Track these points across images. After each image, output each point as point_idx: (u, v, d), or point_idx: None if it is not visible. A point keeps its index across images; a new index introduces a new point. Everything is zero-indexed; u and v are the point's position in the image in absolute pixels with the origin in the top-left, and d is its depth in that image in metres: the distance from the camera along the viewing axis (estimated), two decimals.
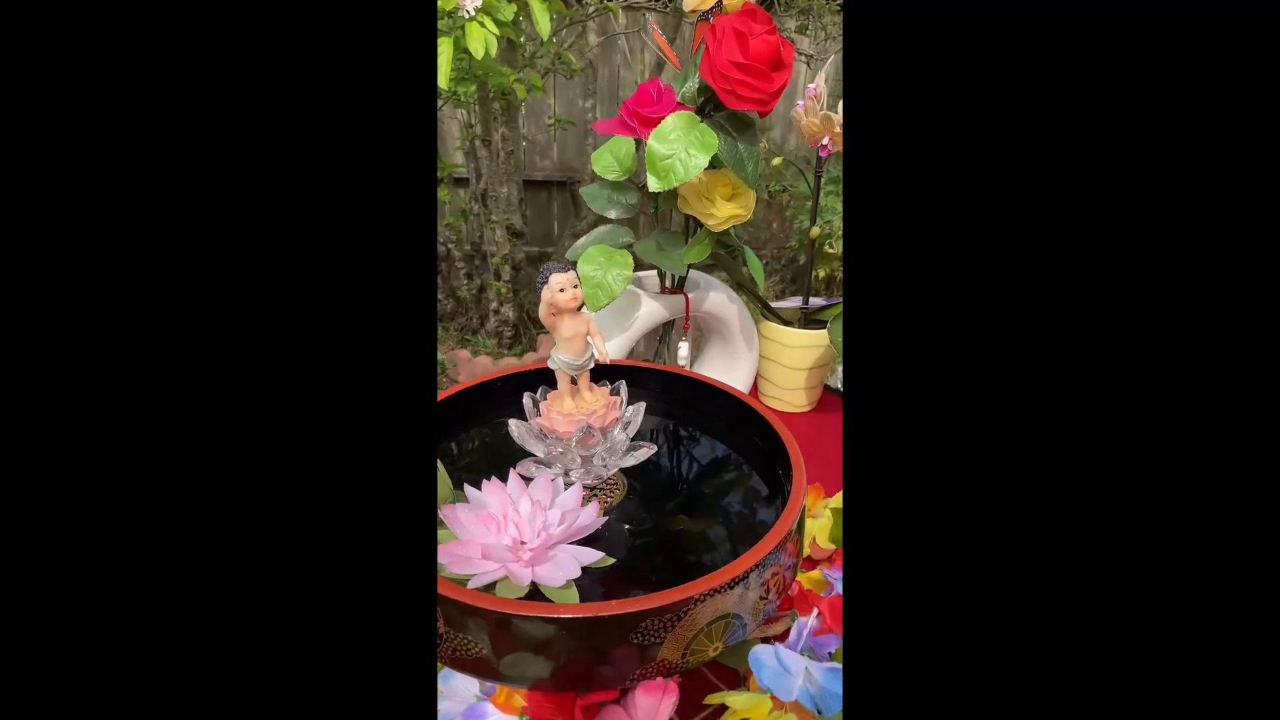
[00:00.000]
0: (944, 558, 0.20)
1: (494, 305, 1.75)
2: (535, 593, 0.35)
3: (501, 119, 1.75)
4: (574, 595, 0.34)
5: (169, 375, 0.20)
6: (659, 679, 0.32)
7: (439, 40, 1.02)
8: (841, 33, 1.80)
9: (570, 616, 0.31)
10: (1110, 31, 0.20)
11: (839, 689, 0.32)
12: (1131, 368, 0.19)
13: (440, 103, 1.56)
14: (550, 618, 0.31)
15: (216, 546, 0.21)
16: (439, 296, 1.88)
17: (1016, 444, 0.20)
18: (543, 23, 1.21)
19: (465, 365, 2.07)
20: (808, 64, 1.91)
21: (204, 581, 0.20)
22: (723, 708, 0.35)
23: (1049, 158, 0.20)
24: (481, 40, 1.11)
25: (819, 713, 0.31)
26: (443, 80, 0.98)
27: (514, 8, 1.19)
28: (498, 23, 1.16)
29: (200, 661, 0.20)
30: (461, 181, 2.04)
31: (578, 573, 0.34)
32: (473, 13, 1.13)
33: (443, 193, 1.75)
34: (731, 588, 0.33)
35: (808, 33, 1.80)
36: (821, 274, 2.23)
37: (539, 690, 0.33)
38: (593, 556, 0.36)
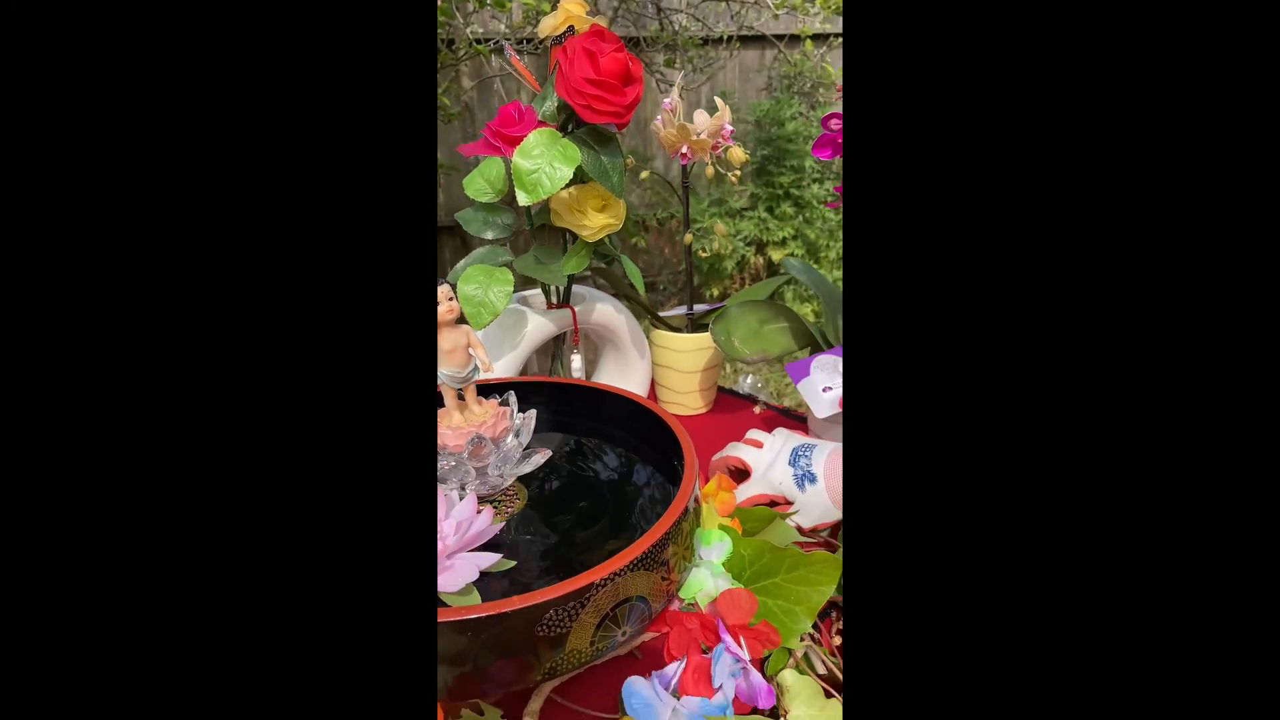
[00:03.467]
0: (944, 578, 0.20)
1: None
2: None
3: None
4: (475, 598, 0.34)
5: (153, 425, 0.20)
6: None
7: None
8: (707, 64, 1.90)
9: (472, 617, 0.31)
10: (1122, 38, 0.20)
11: None
12: (1144, 394, 0.19)
13: None
14: (451, 621, 0.31)
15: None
16: None
17: (1022, 468, 0.20)
18: None
19: None
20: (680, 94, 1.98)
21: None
22: None
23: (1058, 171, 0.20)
24: None
25: None
26: None
27: None
28: None
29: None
30: None
31: (475, 575, 0.34)
32: None
33: None
34: (632, 570, 0.34)
35: (675, 66, 1.89)
36: (716, 292, 2.30)
37: (454, 700, 0.33)
38: (491, 560, 0.36)
